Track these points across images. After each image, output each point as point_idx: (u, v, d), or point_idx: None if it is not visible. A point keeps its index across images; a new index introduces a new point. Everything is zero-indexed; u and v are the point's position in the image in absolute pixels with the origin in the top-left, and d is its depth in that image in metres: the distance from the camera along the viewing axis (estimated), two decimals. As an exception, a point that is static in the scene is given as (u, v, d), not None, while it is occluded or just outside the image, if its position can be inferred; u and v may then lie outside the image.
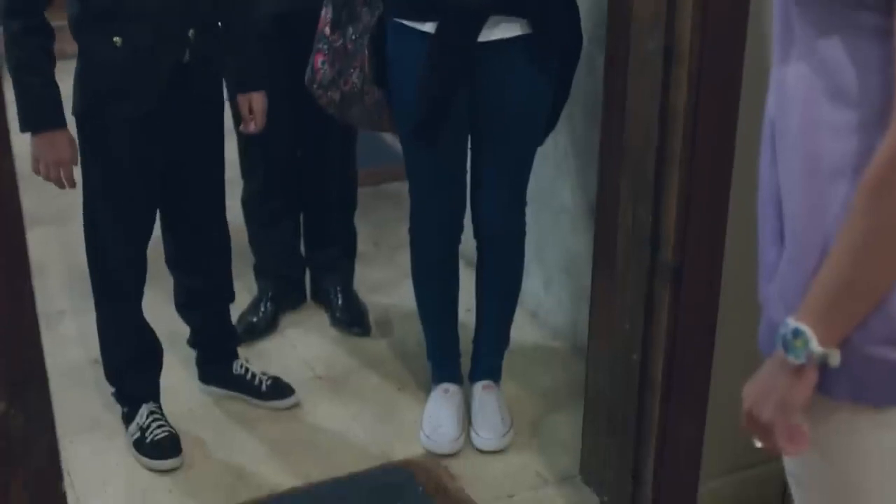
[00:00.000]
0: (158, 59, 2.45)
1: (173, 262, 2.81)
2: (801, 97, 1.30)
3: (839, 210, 1.26)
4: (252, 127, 2.78)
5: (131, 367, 2.79)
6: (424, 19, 2.46)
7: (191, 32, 2.46)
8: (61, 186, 2.51)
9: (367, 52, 2.54)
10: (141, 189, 2.57)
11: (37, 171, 2.46)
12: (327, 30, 2.59)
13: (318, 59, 2.60)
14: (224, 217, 2.79)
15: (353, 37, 2.55)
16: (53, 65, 2.41)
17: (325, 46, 2.59)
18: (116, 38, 2.39)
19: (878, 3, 1.20)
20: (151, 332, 2.79)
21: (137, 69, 2.43)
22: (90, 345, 2.82)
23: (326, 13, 2.59)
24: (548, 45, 2.50)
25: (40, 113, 2.42)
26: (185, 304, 2.88)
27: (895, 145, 1.19)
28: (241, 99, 2.75)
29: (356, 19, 2.55)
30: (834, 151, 1.27)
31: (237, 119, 2.93)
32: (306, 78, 2.64)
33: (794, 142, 1.31)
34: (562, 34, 2.53)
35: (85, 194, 2.56)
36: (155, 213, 2.68)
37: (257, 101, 2.75)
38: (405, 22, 2.49)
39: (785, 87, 1.34)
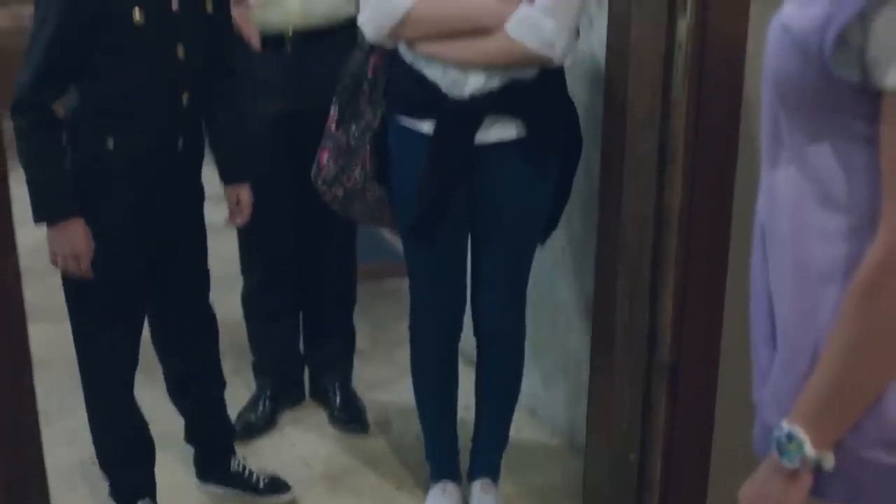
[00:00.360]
0: (148, 162, 2.50)
1: (160, 346, 2.83)
2: (790, 202, 1.33)
3: (830, 314, 1.28)
4: (238, 220, 2.81)
5: (124, 456, 2.78)
6: (423, 117, 2.51)
7: (180, 142, 2.53)
8: (78, 276, 2.53)
9: (368, 148, 2.58)
10: (127, 277, 2.59)
11: (54, 263, 2.49)
12: (333, 126, 2.64)
13: (325, 156, 2.65)
14: (208, 302, 2.82)
15: (356, 134, 2.60)
16: (63, 156, 2.45)
17: (331, 143, 2.63)
18: (109, 140, 2.44)
19: (866, 111, 1.24)
20: (143, 421, 2.79)
21: (127, 170, 2.48)
22: (89, 442, 2.82)
23: (334, 111, 2.64)
24: (545, 147, 2.54)
25: (53, 205, 2.45)
26: (175, 390, 2.88)
27: (884, 250, 1.21)
28: (229, 191, 2.79)
29: (359, 117, 2.60)
30: (824, 256, 1.29)
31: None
32: (312, 173, 2.68)
33: (784, 246, 1.34)
34: (558, 136, 2.57)
35: (71, 282, 2.57)
36: (141, 301, 2.70)
37: (244, 193, 2.79)
38: (405, 121, 2.54)
39: (775, 192, 1.37)
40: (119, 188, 2.49)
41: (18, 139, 2.40)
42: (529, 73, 2.46)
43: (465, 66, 2.43)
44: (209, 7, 2.55)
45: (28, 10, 4.77)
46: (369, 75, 2.59)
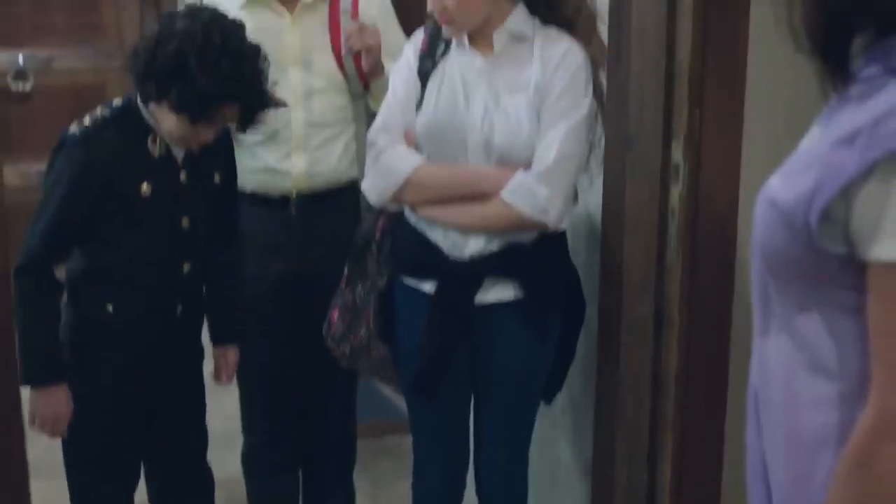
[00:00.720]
0: (146, 326, 2.54)
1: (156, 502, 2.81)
2: (781, 371, 1.36)
3: (824, 480, 1.29)
4: (224, 378, 2.84)
5: None
6: (425, 278, 2.55)
7: (179, 308, 2.58)
8: (53, 437, 2.55)
9: (373, 308, 2.63)
10: (122, 434, 2.60)
11: (32, 423, 2.50)
12: (343, 285, 2.69)
13: (335, 314, 2.69)
14: (205, 459, 2.82)
15: (362, 294, 2.65)
16: (59, 321, 2.50)
17: (340, 301, 2.68)
18: (109, 305, 2.49)
19: (853, 282, 1.28)
20: None
21: (125, 332, 2.52)
22: None
23: (346, 270, 2.70)
24: (544, 309, 2.56)
25: (43, 369, 2.48)
26: None
27: (875, 416, 1.24)
28: (217, 350, 2.82)
29: (366, 277, 2.65)
30: (816, 423, 1.31)
31: (240, 372, 2.98)
32: (324, 330, 2.72)
33: (777, 414, 1.36)
34: (558, 298, 2.60)
35: (67, 439, 2.57)
36: (137, 458, 2.70)
37: (231, 354, 2.83)
38: (408, 281, 2.59)
39: (766, 360, 1.40)
40: (116, 349, 2.53)
41: (19, 300, 2.44)
42: (529, 237, 2.51)
43: (464, 229, 2.49)
44: (217, 178, 2.62)
45: (35, 168, 4.90)
46: (377, 237, 2.65)
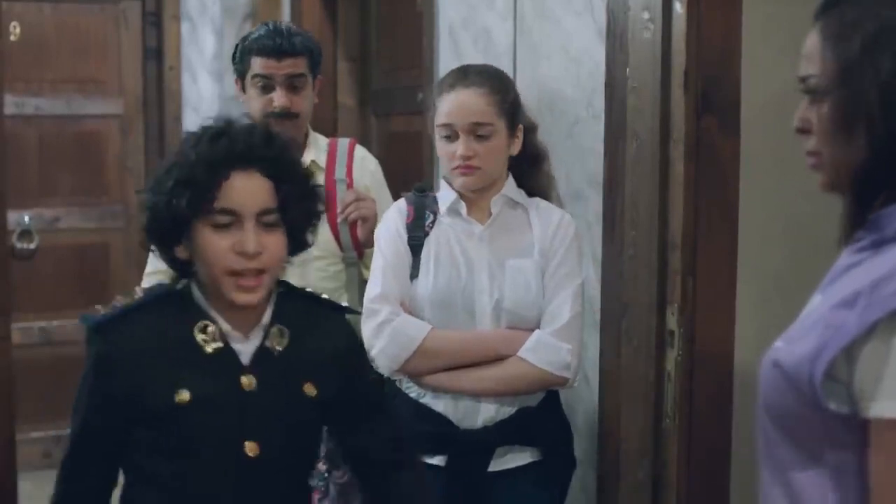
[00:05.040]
0: None
1: None
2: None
3: None
4: None
5: None
6: (435, 453, 2.47)
7: None
8: None
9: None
10: None
11: None
12: (321, 466, 2.57)
13: (315, 496, 2.58)
14: None
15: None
16: None
17: (322, 483, 2.56)
18: None
19: (857, 441, 1.30)
20: None
21: None
22: None
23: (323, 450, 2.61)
24: (553, 472, 2.53)
25: None
26: None
27: None
28: None
29: None
30: None
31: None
32: None
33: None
34: (572, 458, 2.56)
35: None
36: None
37: None
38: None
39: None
40: None
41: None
42: (535, 399, 2.49)
43: (480, 395, 2.42)
44: (313, 391, 1.85)
45: (37, 326, 4.95)
46: None
